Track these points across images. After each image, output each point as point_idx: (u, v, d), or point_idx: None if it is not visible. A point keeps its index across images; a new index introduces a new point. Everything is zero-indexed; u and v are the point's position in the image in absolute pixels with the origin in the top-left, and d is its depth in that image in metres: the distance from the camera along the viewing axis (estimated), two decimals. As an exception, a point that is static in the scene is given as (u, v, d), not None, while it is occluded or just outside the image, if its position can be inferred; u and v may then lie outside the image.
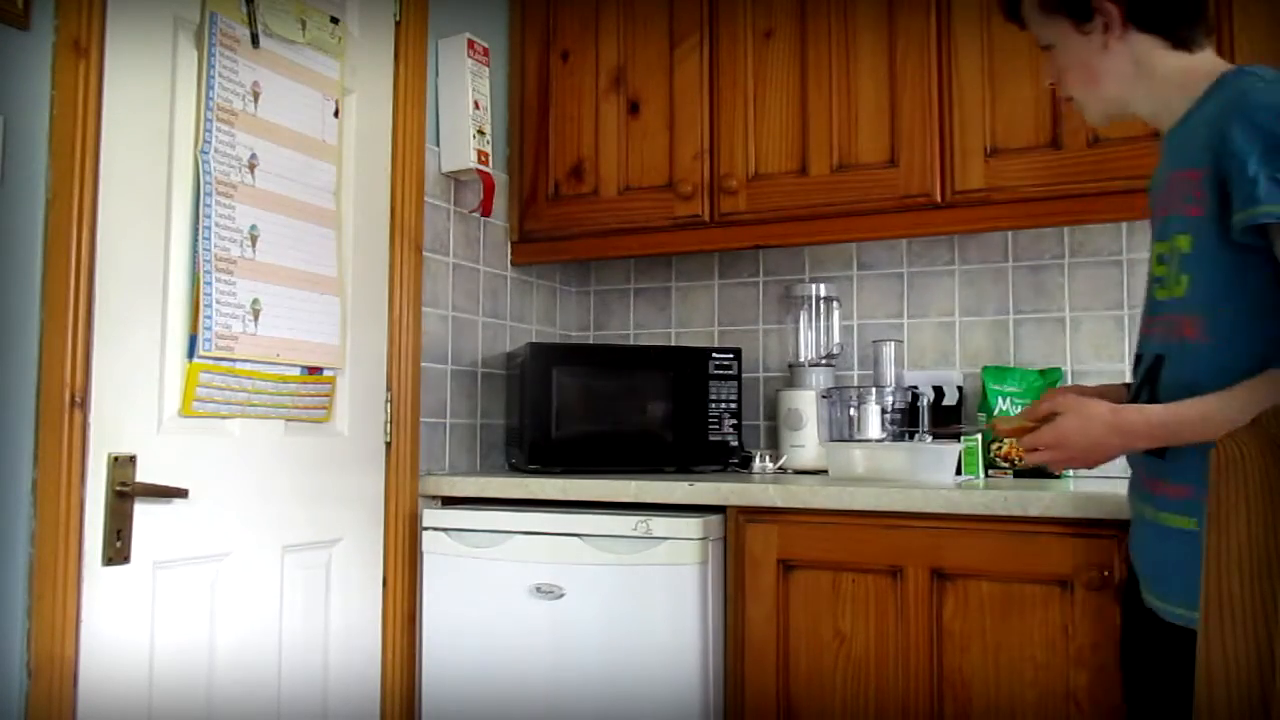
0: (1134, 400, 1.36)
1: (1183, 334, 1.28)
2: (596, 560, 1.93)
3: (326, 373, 1.96)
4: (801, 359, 2.42)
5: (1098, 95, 1.40)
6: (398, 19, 2.18)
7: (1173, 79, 1.35)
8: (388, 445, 2.12)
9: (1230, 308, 1.24)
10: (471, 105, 2.29)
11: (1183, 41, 1.34)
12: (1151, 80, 1.36)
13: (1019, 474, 2.09)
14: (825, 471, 2.15)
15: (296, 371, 1.88)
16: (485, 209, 2.36)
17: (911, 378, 2.39)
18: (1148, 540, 1.35)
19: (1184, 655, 1.22)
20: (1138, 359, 1.39)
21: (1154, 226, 1.40)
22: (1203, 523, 1.21)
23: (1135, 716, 1.41)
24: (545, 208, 2.46)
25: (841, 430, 2.25)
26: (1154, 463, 1.31)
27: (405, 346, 2.15)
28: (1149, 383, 1.33)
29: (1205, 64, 1.35)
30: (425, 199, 2.23)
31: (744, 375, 2.39)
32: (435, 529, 2.10)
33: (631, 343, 2.74)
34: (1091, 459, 1.32)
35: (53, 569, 1.48)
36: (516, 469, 2.35)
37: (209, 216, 1.72)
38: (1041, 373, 2.23)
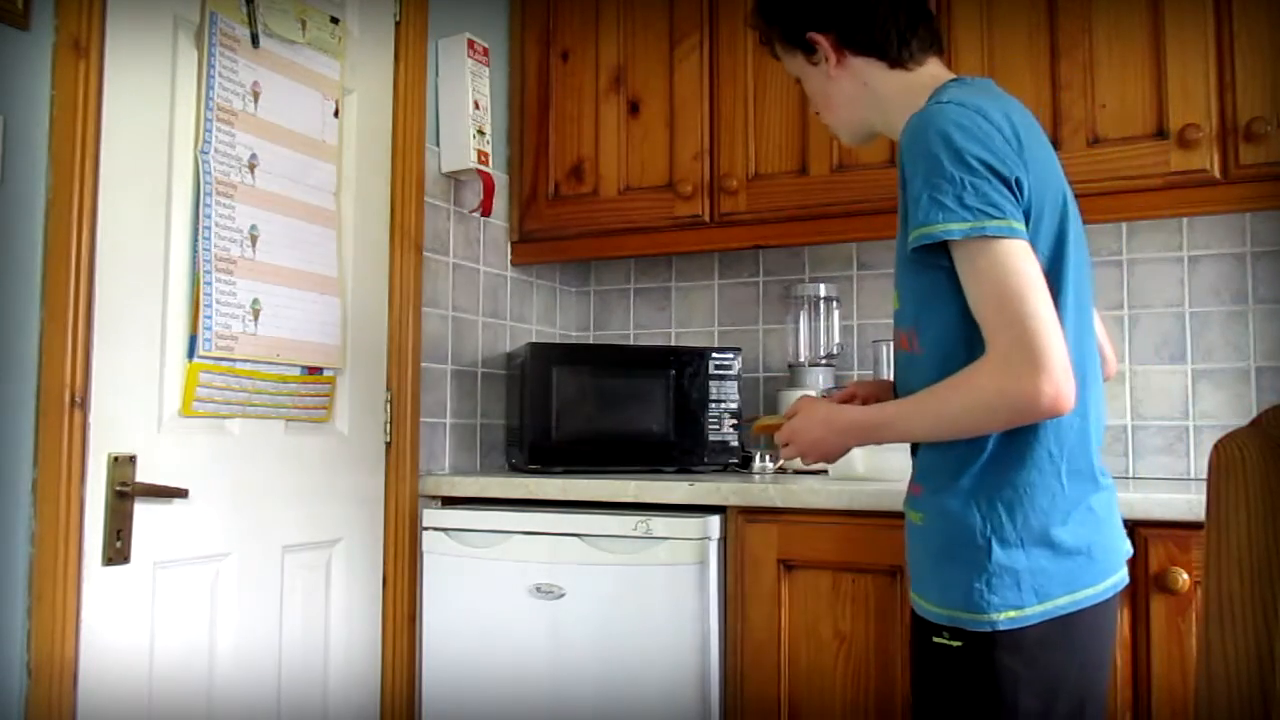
0: None
1: (900, 346, 1.38)
2: (596, 560, 1.93)
3: (326, 373, 1.96)
4: (801, 359, 2.42)
5: (839, 120, 1.49)
6: (398, 19, 2.18)
7: (896, 97, 1.40)
8: (388, 445, 2.12)
9: (933, 320, 1.30)
10: (471, 105, 2.29)
11: (899, 61, 1.40)
12: (878, 99, 1.42)
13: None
14: (825, 471, 2.15)
15: (296, 371, 1.88)
16: (485, 209, 2.36)
17: (911, 378, 2.39)
18: (906, 535, 1.44)
19: (919, 640, 1.35)
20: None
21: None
22: (926, 520, 1.34)
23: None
24: (545, 208, 2.46)
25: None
26: (913, 464, 1.40)
27: (405, 346, 2.15)
28: (895, 390, 1.44)
29: (926, 79, 1.39)
30: (425, 199, 2.23)
31: (744, 375, 2.39)
32: (435, 529, 2.10)
33: (631, 343, 2.74)
34: (820, 453, 1.44)
35: (53, 569, 1.48)
36: (516, 469, 2.35)
37: (209, 216, 1.72)
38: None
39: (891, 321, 2.42)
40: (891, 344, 1.49)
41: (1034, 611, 1.24)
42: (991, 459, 1.26)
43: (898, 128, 1.38)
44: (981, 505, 1.26)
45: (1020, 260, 1.21)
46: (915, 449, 1.42)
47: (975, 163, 1.21)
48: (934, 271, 1.27)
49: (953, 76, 1.40)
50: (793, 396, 2.32)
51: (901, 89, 1.40)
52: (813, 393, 2.30)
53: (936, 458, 1.33)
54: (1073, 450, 1.28)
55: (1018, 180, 1.23)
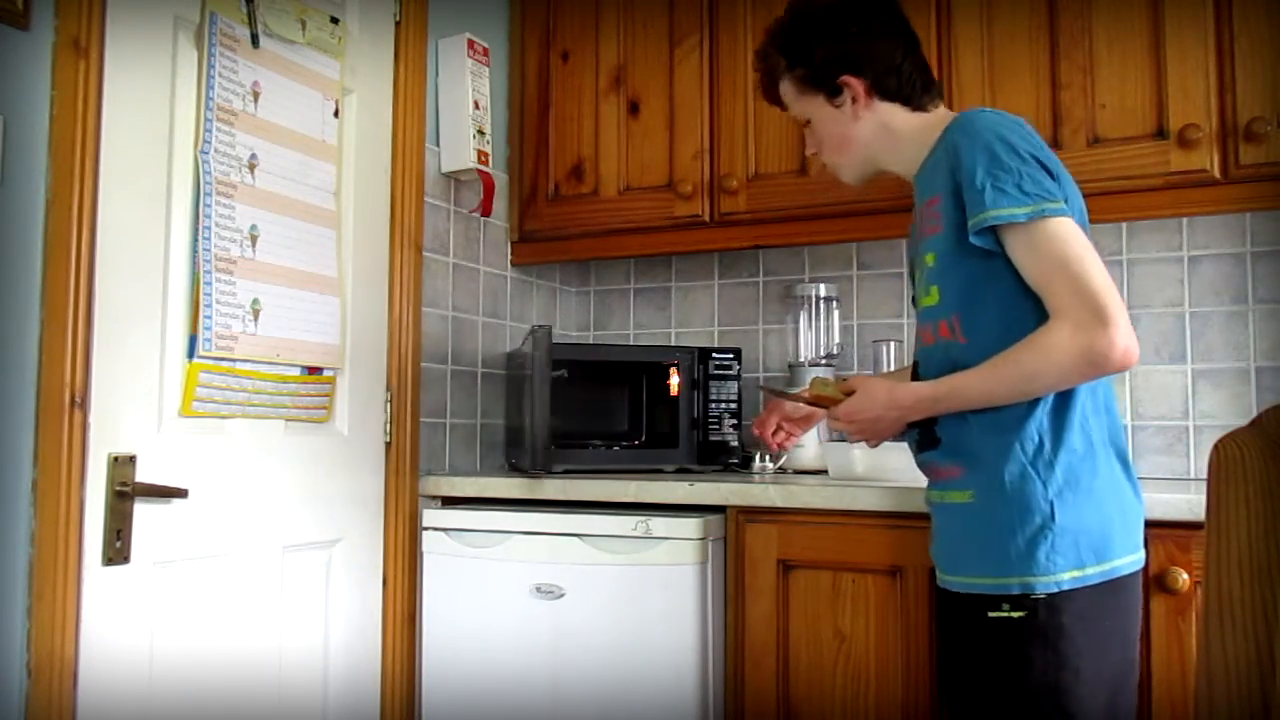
0: None
1: (939, 335, 1.47)
2: (596, 560, 1.93)
3: (326, 373, 1.96)
4: (801, 359, 2.42)
5: (851, 159, 1.61)
6: (398, 19, 2.18)
7: (913, 136, 1.54)
8: (388, 445, 2.12)
9: (982, 307, 1.41)
10: (471, 105, 2.29)
11: (920, 105, 1.56)
12: (896, 139, 1.56)
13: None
14: (825, 471, 2.15)
15: (296, 371, 1.88)
16: (485, 209, 2.36)
17: (911, 378, 2.39)
18: (937, 522, 1.53)
19: (968, 621, 1.41)
20: (915, 364, 1.58)
21: (912, 259, 1.61)
22: (978, 496, 1.41)
23: (946, 694, 1.56)
24: (545, 208, 2.46)
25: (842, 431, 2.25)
26: (932, 456, 1.50)
27: (405, 346, 2.15)
28: (919, 379, 1.53)
29: (937, 117, 1.56)
30: (425, 199, 2.23)
31: (744, 375, 2.39)
32: (435, 529, 2.10)
33: (632, 343, 2.74)
34: (878, 429, 1.54)
35: (53, 569, 1.48)
36: (516, 469, 2.35)
37: (209, 216, 1.72)
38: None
39: (892, 320, 2.43)
40: (916, 336, 1.56)
41: (1094, 571, 1.33)
42: (1043, 430, 1.37)
43: (911, 163, 1.54)
44: (1041, 471, 1.36)
45: (1076, 233, 1.36)
46: (925, 444, 1.50)
47: (1028, 155, 1.36)
48: (984, 260, 1.39)
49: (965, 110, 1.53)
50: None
51: (919, 128, 1.54)
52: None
53: (980, 436, 1.41)
54: (1101, 428, 1.40)
55: (1057, 176, 1.39)
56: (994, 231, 1.36)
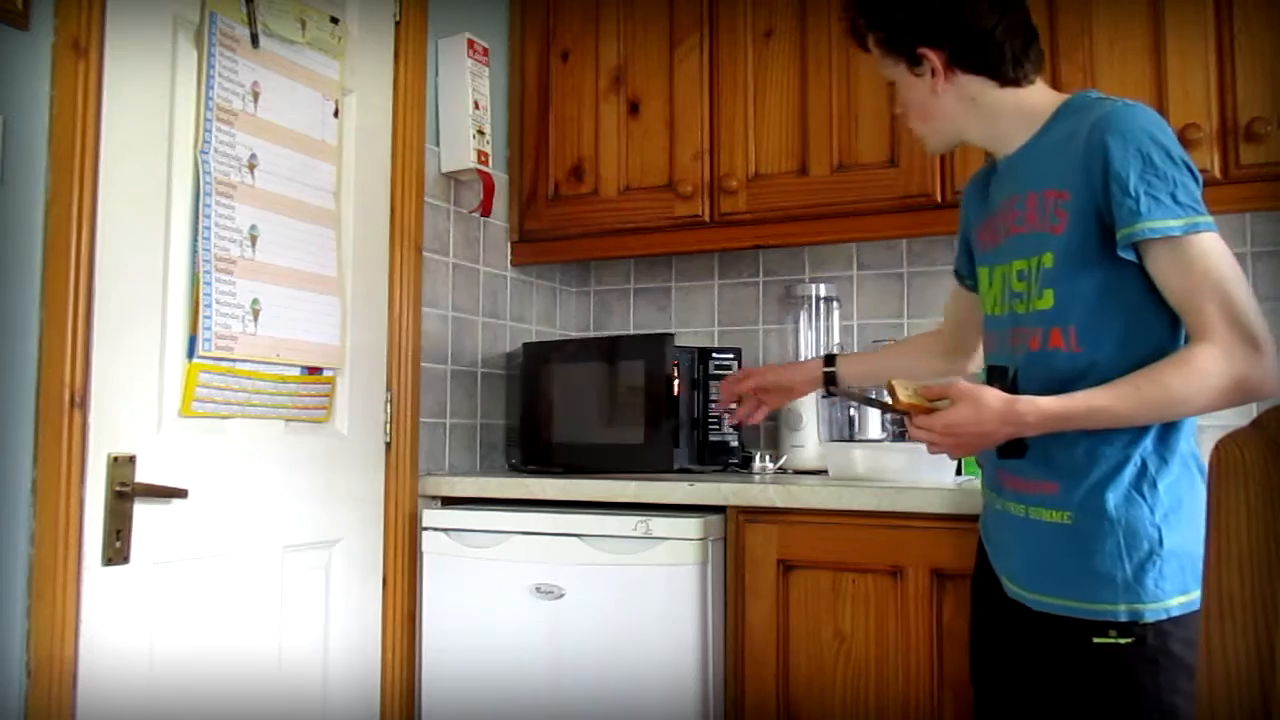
0: None
1: (1049, 343, 1.35)
2: (596, 560, 1.93)
3: (326, 373, 1.96)
4: (802, 359, 2.42)
5: (934, 130, 1.50)
6: (398, 19, 2.18)
7: (1007, 111, 1.44)
8: (388, 445, 2.12)
9: (1104, 318, 1.32)
10: (471, 105, 2.29)
11: (1012, 80, 1.42)
12: (984, 114, 1.44)
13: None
14: (825, 472, 2.15)
15: (296, 371, 1.88)
16: (485, 209, 2.36)
17: (911, 378, 2.38)
18: (1015, 535, 1.42)
19: (1065, 644, 1.32)
20: (994, 370, 1.43)
21: (998, 243, 1.46)
22: (1078, 519, 1.33)
23: (991, 702, 1.50)
24: (545, 208, 2.46)
25: (841, 431, 2.25)
26: (1018, 466, 1.39)
27: (405, 346, 2.15)
28: (1011, 390, 1.37)
29: (1040, 95, 1.45)
30: (425, 199, 2.23)
31: (744, 375, 2.38)
32: (435, 529, 2.10)
33: (631, 343, 2.74)
34: (980, 445, 1.38)
35: (52, 569, 1.48)
36: (516, 469, 2.35)
37: (209, 216, 1.72)
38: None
39: (892, 320, 2.40)
40: (1014, 340, 1.41)
41: (1198, 595, 1.26)
42: (1147, 453, 1.31)
43: (1005, 140, 1.44)
44: (1147, 495, 1.30)
45: (1227, 252, 1.27)
46: (1011, 451, 1.39)
47: (1181, 163, 1.28)
48: (1115, 269, 1.30)
49: (1072, 94, 1.43)
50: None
51: (1015, 106, 1.43)
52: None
53: (1083, 454, 1.33)
54: (1191, 444, 1.35)
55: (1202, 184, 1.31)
56: (1137, 242, 1.27)
